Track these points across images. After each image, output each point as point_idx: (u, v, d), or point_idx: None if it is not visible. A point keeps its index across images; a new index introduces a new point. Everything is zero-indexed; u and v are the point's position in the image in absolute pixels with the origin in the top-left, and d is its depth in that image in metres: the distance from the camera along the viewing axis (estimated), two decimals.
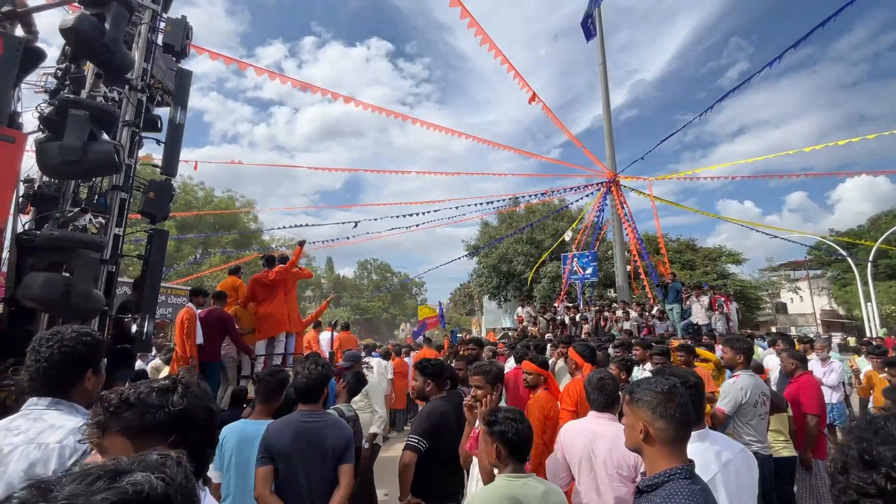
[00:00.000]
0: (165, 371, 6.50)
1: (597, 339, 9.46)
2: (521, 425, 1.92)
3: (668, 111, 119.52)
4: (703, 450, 1.89)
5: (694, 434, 1.89)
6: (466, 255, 24.95)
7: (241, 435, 2.63)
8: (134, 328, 3.76)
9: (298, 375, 2.46)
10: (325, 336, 9.43)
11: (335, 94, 11.06)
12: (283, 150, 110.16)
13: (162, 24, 4.12)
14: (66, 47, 3.71)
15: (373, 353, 9.68)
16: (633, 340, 6.81)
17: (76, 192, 3.61)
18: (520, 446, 1.91)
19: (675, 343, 8.38)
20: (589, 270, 16.32)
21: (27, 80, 3.48)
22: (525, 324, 13.44)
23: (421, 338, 16.62)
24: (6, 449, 1.39)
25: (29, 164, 3.54)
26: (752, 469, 1.91)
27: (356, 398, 4.19)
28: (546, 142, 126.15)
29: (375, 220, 15.50)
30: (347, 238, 16.64)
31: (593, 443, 2.40)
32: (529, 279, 22.64)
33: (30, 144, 3.17)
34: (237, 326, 6.34)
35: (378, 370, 8.43)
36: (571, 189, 17.29)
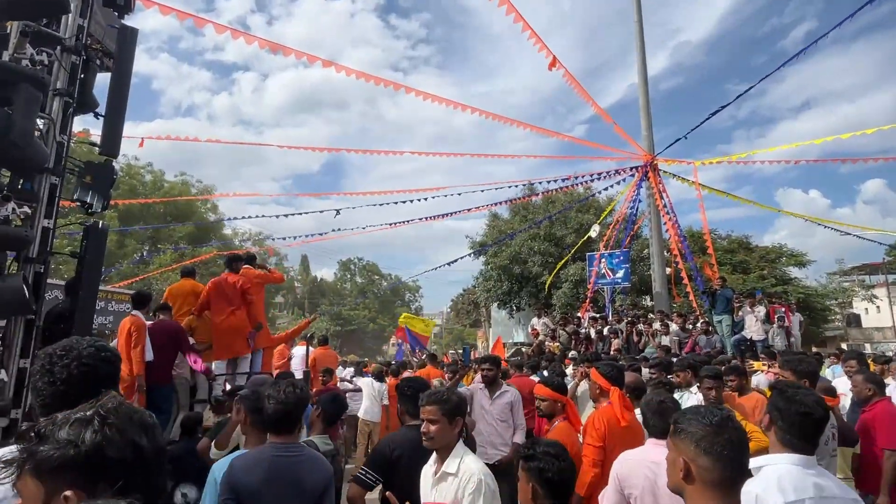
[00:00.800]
0: None
1: (629, 358, 9.49)
2: (563, 463, 2.04)
3: (718, 80, 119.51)
4: (803, 476, 1.92)
5: (800, 458, 1.94)
6: (471, 255, 24.99)
7: None
8: None
9: (271, 400, 2.48)
10: (298, 352, 9.45)
11: (312, 57, 11.07)
12: (248, 126, 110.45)
13: None
14: None
15: (363, 374, 9.71)
16: (673, 359, 6.81)
17: None
18: (560, 488, 2.02)
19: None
20: (620, 273, 16.34)
21: None
22: (542, 338, 13.47)
23: (411, 354, 16.63)
24: None
25: None
26: None
27: None
28: (569, 117, 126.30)
29: (360, 207, 15.43)
30: (327, 232, 16.67)
31: (656, 474, 2.48)
32: (548, 284, 22.66)
33: None
34: (192, 340, 6.36)
35: (369, 393, 8.45)
36: (599, 175, 17.30)
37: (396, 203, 15.74)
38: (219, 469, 2.58)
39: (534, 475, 2.01)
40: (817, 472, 1.99)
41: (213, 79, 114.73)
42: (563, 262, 21.78)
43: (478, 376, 5.75)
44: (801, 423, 2.01)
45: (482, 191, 16.35)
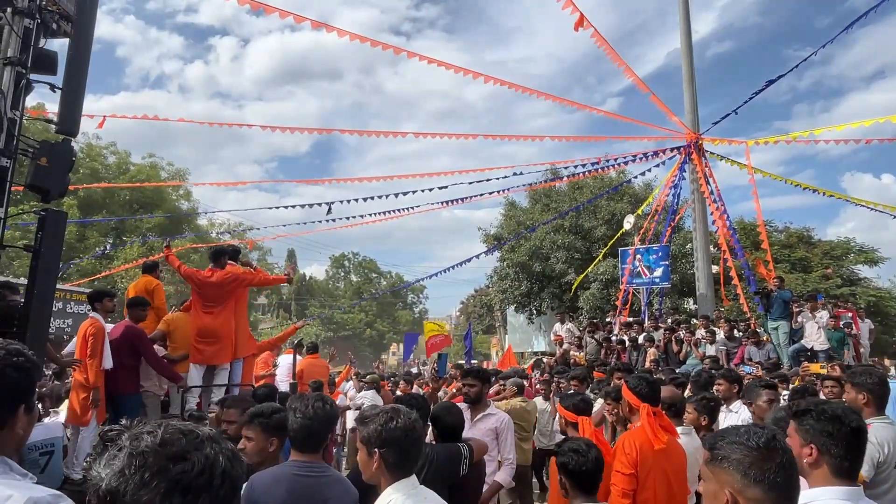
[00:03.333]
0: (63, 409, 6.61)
1: (668, 370, 9.48)
2: (582, 458, 2.72)
3: (776, 45, 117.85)
4: None
5: (851, 491, 1.93)
6: (486, 253, 24.87)
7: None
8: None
9: (297, 414, 2.60)
10: (284, 361, 9.52)
11: (299, 18, 11.08)
12: (226, 99, 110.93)
13: None
14: None
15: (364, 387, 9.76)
16: (717, 371, 6.81)
17: None
18: (584, 479, 2.72)
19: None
20: (658, 272, 16.27)
21: None
22: (566, 346, 13.45)
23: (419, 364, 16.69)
24: None
25: None
26: None
27: None
28: (599, 88, 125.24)
29: (356, 201, 15.34)
30: (318, 222, 16.71)
31: None
32: (575, 285, 22.64)
33: None
34: (165, 351, 6.42)
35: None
36: (635, 156, 17.19)
37: (398, 195, 15.67)
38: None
39: (560, 469, 2.72)
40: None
41: (185, 45, 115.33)
42: (595, 262, 21.69)
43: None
44: (858, 445, 1.98)
45: (497, 178, 16.28)
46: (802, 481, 1.94)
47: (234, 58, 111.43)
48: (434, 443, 3.50)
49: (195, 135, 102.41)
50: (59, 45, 4.51)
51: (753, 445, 1.51)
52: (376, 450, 2.26)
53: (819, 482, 2.00)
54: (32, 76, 4.10)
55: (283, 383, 8.61)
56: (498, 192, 17.61)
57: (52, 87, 4.21)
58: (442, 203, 16.95)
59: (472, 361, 15.65)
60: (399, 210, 17.17)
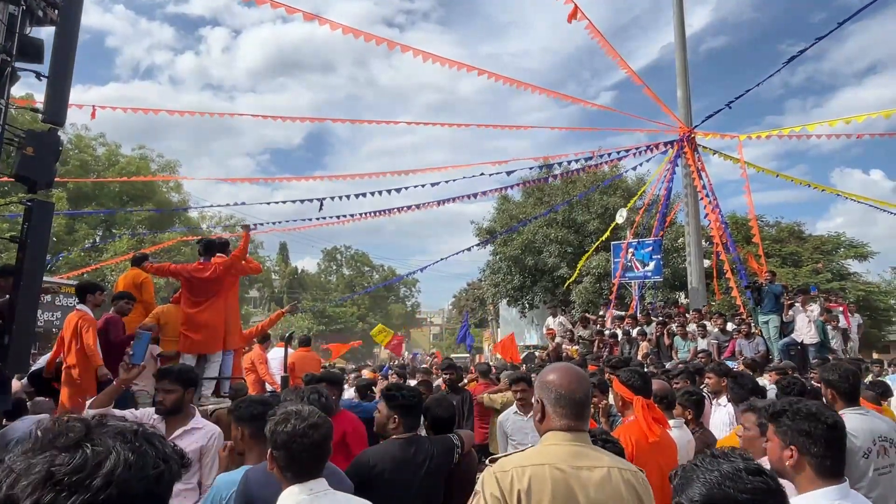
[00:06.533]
0: None
1: (659, 364, 9.54)
2: (617, 447, 2.73)
3: (770, 39, 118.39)
4: None
5: (839, 489, 1.93)
6: (478, 246, 24.92)
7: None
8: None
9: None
10: (275, 354, 9.49)
11: (291, 9, 10.99)
12: (218, 91, 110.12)
13: None
14: None
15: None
16: (708, 366, 6.84)
17: None
18: None
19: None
20: (651, 266, 16.35)
21: None
22: (559, 340, 13.50)
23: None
24: None
25: None
26: None
27: None
28: (593, 82, 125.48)
29: (347, 198, 15.36)
30: (310, 220, 16.64)
31: None
32: (570, 280, 22.69)
33: None
34: (160, 349, 6.38)
35: None
36: (628, 150, 17.23)
37: (391, 192, 15.66)
38: (225, 484, 2.71)
39: None
40: (853, 499, 1.98)
41: (176, 35, 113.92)
42: (587, 255, 21.75)
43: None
44: (836, 441, 1.97)
45: (490, 174, 16.31)
46: (789, 485, 1.91)
47: (226, 49, 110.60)
48: (426, 435, 3.53)
49: (186, 126, 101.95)
50: (45, 34, 4.45)
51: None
52: (270, 450, 2.30)
53: (805, 486, 1.97)
54: (18, 64, 4.05)
55: (274, 376, 8.59)
56: (491, 190, 17.69)
57: (38, 76, 4.15)
58: (436, 203, 17.01)
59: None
60: (390, 210, 17.25)
